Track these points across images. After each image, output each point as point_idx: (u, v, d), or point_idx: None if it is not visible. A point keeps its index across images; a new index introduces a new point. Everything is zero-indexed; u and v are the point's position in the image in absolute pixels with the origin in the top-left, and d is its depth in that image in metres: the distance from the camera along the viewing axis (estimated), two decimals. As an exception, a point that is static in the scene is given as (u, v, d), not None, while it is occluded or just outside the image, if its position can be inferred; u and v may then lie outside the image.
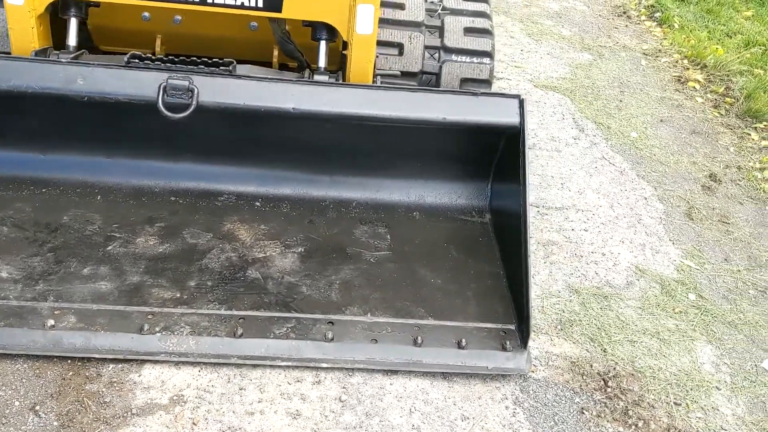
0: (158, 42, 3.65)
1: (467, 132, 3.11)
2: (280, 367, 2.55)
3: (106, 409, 2.35)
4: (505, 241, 3.11)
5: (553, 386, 2.64)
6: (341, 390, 2.51)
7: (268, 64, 3.74)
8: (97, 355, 2.50)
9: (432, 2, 3.73)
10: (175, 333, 2.58)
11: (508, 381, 2.63)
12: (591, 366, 2.76)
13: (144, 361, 2.52)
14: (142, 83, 2.85)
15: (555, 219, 3.62)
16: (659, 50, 6.03)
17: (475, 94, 3.00)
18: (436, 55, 3.54)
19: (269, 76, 2.97)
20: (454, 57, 3.53)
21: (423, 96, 2.97)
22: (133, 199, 3.19)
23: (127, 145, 3.22)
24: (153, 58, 2.94)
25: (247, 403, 2.42)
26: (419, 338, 2.65)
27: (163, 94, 2.81)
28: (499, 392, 2.58)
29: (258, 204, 3.26)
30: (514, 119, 2.95)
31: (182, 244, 3.00)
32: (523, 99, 2.96)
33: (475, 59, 3.54)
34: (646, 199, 3.93)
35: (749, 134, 4.84)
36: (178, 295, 2.74)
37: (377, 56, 3.42)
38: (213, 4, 3.06)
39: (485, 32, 3.58)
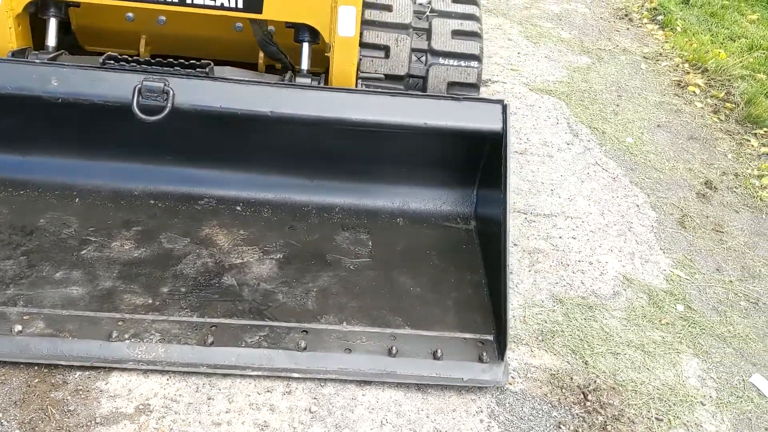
0: (143, 42, 3.62)
1: (452, 137, 3.05)
2: (250, 376, 2.50)
3: (70, 418, 2.30)
4: (488, 249, 3.04)
5: (530, 399, 2.57)
6: (312, 401, 2.45)
7: (253, 66, 3.70)
8: (63, 362, 2.45)
9: (420, 4, 3.67)
10: (145, 340, 2.53)
11: (485, 393, 2.56)
12: (571, 379, 2.69)
13: (112, 369, 2.48)
14: (117, 85, 2.81)
15: (543, 226, 3.55)
16: (660, 54, 5.94)
17: (457, 99, 2.93)
18: (423, 58, 3.48)
19: (247, 79, 2.91)
20: (441, 60, 3.46)
21: (403, 100, 2.91)
22: (112, 202, 3.15)
23: (108, 147, 3.18)
24: (129, 59, 2.89)
25: (214, 414, 2.37)
26: (394, 348, 2.59)
27: (138, 96, 2.77)
28: (475, 405, 2.52)
29: (239, 208, 3.21)
30: (497, 125, 2.88)
31: (158, 248, 2.95)
32: (506, 104, 2.90)
33: (462, 63, 3.47)
34: (638, 206, 3.86)
35: (748, 140, 4.75)
36: (150, 302, 2.69)
37: (361, 58, 3.37)
38: (192, 5, 3.02)
39: (474, 35, 3.52)
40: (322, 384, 2.52)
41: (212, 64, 2.93)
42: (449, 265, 3.04)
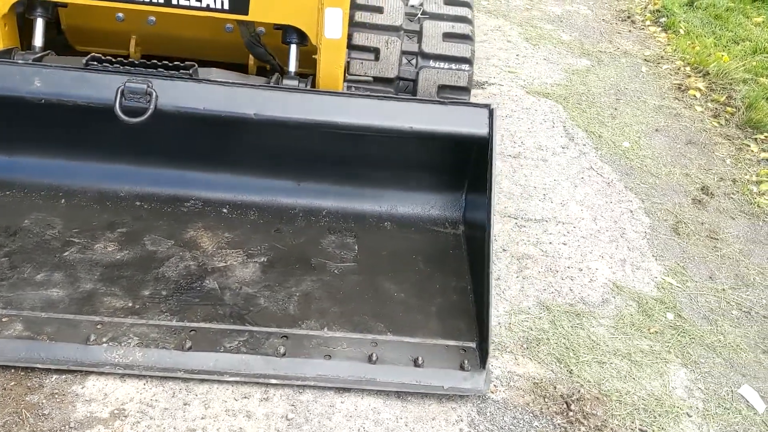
0: (133, 43, 3.61)
1: (440, 140, 3.02)
2: (228, 382, 2.47)
3: (44, 422, 2.28)
4: (475, 254, 3.01)
5: (511, 408, 2.54)
6: (289, 407, 2.43)
7: (244, 67, 3.68)
8: (40, 366, 2.43)
9: (412, 6, 3.64)
10: (122, 344, 2.51)
11: (465, 402, 2.53)
12: (554, 388, 2.65)
13: (89, 373, 2.45)
14: (100, 86, 2.79)
15: (533, 231, 3.51)
16: (661, 57, 5.88)
17: (443, 103, 2.90)
18: (414, 60, 3.44)
19: (230, 81, 2.89)
20: (431, 63, 3.43)
21: (388, 104, 2.87)
22: (98, 203, 3.14)
23: (95, 148, 3.17)
24: (113, 60, 2.87)
25: (189, 419, 2.35)
26: (374, 355, 2.56)
27: (120, 98, 2.75)
28: (455, 413, 2.48)
29: (225, 210, 3.18)
30: (483, 130, 2.84)
31: (141, 251, 2.93)
32: (492, 109, 2.86)
33: (453, 65, 3.44)
34: (632, 212, 3.81)
35: (748, 145, 4.69)
36: (130, 305, 2.67)
37: (350, 61, 3.34)
38: (177, 6, 3.00)
39: (465, 38, 3.48)
40: (301, 390, 2.49)
41: (196, 65, 2.91)
42: (435, 270, 3.01)
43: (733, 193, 4.14)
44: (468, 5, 3.67)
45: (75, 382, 2.43)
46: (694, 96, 5.26)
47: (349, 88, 3.31)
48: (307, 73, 3.23)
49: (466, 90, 3.46)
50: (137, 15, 3.26)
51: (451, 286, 2.94)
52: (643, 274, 3.35)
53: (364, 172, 3.22)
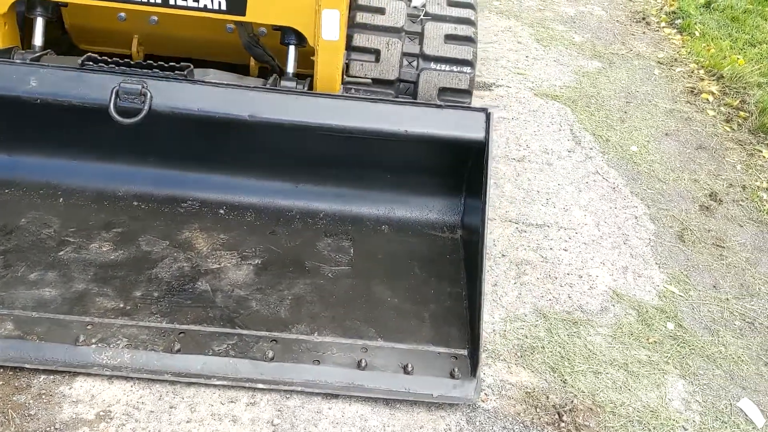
0: (135, 42, 3.61)
1: (438, 144, 2.98)
2: (215, 386, 2.46)
3: (30, 423, 2.28)
4: (470, 259, 2.97)
5: (502, 418, 2.50)
6: (276, 413, 2.41)
7: (246, 68, 3.67)
8: (29, 366, 2.44)
9: (415, 7, 3.60)
10: (111, 345, 2.51)
11: (455, 410, 2.49)
12: (547, 398, 2.60)
13: (77, 373, 2.45)
14: (95, 86, 2.80)
15: (534, 237, 3.46)
16: (675, 59, 5.78)
17: (440, 106, 2.87)
18: (415, 62, 3.41)
19: (225, 82, 2.87)
20: (432, 65, 3.39)
21: (384, 107, 2.85)
22: (95, 202, 3.14)
23: (94, 148, 3.16)
24: (108, 60, 2.87)
25: (175, 423, 2.34)
26: (364, 361, 2.54)
27: (115, 98, 2.75)
28: (443, 422, 2.45)
29: (222, 212, 3.17)
30: (479, 134, 2.81)
31: (136, 251, 2.93)
32: (490, 113, 2.83)
33: (455, 68, 3.40)
34: (636, 218, 3.74)
35: (760, 151, 4.60)
36: (121, 306, 2.67)
37: (350, 62, 3.32)
38: (175, 6, 2.99)
39: (467, 40, 3.44)
40: (288, 396, 2.47)
41: (191, 66, 2.90)
42: (430, 275, 2.97)
43: (742, 200, 4.06)
44: (471, 7, 3.62)
45: (63, 383, 2.43)
46: (707, 100, 5.17)
47: (348, 89, 3.29)
48: (307, 74, 3.21)
49: (467, 92, 3.42)
50: (139, 15, 3.26)
51: (445, 291, 2.90)
52: (645, 282, 3.29)
53: (362, 174, 3.19)
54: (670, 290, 3.27)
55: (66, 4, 3.19)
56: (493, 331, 2.87)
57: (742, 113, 4.98)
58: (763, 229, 3.86)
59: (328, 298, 2.82)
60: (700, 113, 4.99)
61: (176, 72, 2.84)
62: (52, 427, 2.28)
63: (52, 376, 2.44)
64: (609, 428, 2.53)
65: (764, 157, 4.55)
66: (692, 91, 5.27)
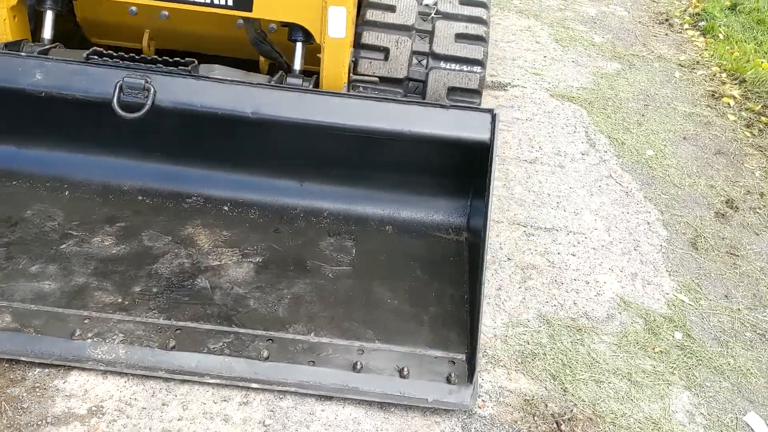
0: (146, 37, 3.61)
1: (444, 145, 2.93)
2: (209, 384, 2.44)
3: (22, 416, 2.28)
4: (474, 262, 2.92)
5: (498, 426, 2.45)
6: (268, 413, 2.38)
7: (255, 63, 3.66)
8: (24, 358, 2.44)
9: (426, 5, 3.55)
10: (107, 340, 2.50)
11: (450, 416, 2.45)
12: (546, 406, 2.55)
13: (72, 367, 2.45)
14: (99, 80, 2.80)
15: (541, 241, 3.40)
16: (697, 62, 5.67)
17: (444, 106, 2.82)
18: (424, 61, 3.36)
19: (229, 78, 2.85)
20: (442, 64, 3.34)
21: (388, 106, 2.81)
22: (100, 196, 3.14)
23: (101, 142, 3.17)
24: (113, 54, 2.86)
25: (166, 420, 2.32)
26: (359, 363, 2.50)
27: (119, 93, 2.75)
28: (438, 428, 2.41)
29: (226, 208, 3.16)
30: (484, 135, 2.76)
31: (138, 246, 2.93)
32: (495, 114, 2.77)
33: (465, 67, 3.34)
34: (649, 223, 3.66)
35: (782, 157, 4.49)
36: (120, 300, 2.66)
37: (358, 60, 3.28)
38: (182, 1, 2.98)
39: (478, 39, 3.38)
40: (282, 396, 2.44)
41: (196, 62, 2.89)
42: (432, 278, 2.93)
43: (759, 208, 3.96)
44: (484, 5, 3.56)
45: (57, 377, 2.43)
46: (728, 104, 5.05)
47: (355, 87, 3.25)
48: (314, 71, 3.18)
49: (477, 92, 3.36)
50: (150, 9, 3.25)
51: (447, 294, 2.86)
52: (654, 289, 3.22)
53: (367, 174, 3.15)
54: (680, 299, 3.19)
55: (75, -2, 3.20)
56: (495, 336, 2.82)
57: (763, 118, 4.87)
58: (781, 238, 3.76)
59: (327, 298, 2.79)
60: (720, 117, 4.88)
61: (180, 67, 2.83)
62: (44, 421, 2.28)
63: (47, 370, 2.44)
64: (608, 439, 2.47)
65: (785, 163, 4.44)
66: (713, 95, 5.16)
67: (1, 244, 2.84)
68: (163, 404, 2.37)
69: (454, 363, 2.55)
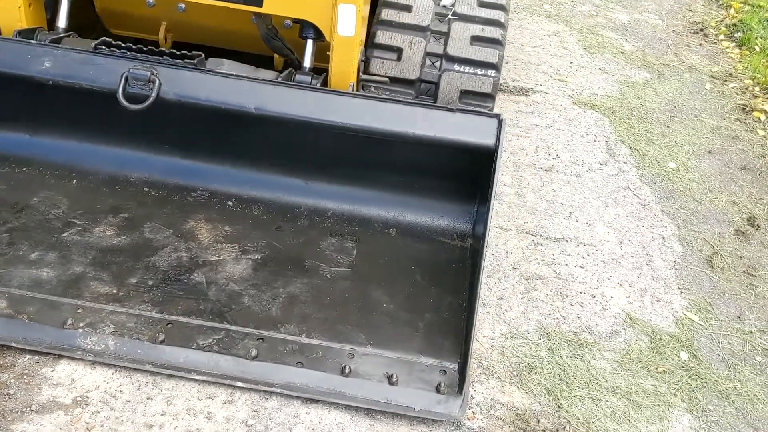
0: (163, 29, 3.62)
1: (452, 149, 2.87)
2: (195, 380, 2.43)
3: (7, 402, 2.29)
4: (473, 269, 2.85)
5: (486, 439, 2.39)
6: (252, 413, 2.36)
7: (270, 59, 3.65)
8: (15, 345, 2.45)
9: (444, 6, 3.50)
10: (98, 331, 2.50)
11: (438, 426, 2.40)
12: (538, 421, 2.48)
13: (61, 356, 2.45)
14: (105, 71, 2.81)
15: (549, 251, 3.32)
16: (730, 74, 5.50)
17: (451, 109, 2.77)
18: (438, 63, 3.31)
19: (234, 74, 2.84)
20: (456, 66, 3.29)
21: (393, 107, 2.77)
22: (107, 186, 3.15)
23: (111, 132, 3.18)
24: (121, 45, 2.87)
25: (149, 415, 2.31)
26: (348, 367, 2.46)
27: (124, 84, 2.76)
28: (424, 438, 2.36)
29: (230, 204, 3.14)
30: (489, 140, 2.71)
31: (138, 237, 2.93)
32: (502, 119, 2.71)
33: (479, 70, 3.28)
34: (664, 238, 3.56)
35: (811, 176, 4.32)
36: (115, 291, 2.66)
37: (369, 59, 3.25)
38: (193, -6, 2.98)
39: (494, 42, 3.32)
40: (267, 397, 2.41)
41: (202, 55, 2.88)
42: (432, 283, 2.88)
43: (783, 227, 3.82)
44: (503, 8, 3.50)
45: (47, 365, 2.43)
46: (758, 119, 4.89)
47: (366, 87, 3.22)
48: (325, 69, 3.15)
49: (489, 97, 3.30)
50: (167, 1, 3.26)
51: (446, 301, 2.80)
52: (663, 307, 3.12)
53: (373, 175, 3.11)
54: (690, 318, 3.09)
55: (93, -13, 3.22)
56: (492, 346, 2.76)
57: (795, 135, 4.71)
58: (803, 259, 3.62)
59: (322, 299, 2.75)
60: (749, 132, 4.73)
61: (186, 60, 2.82)
62: (28, 408, 2.28)
63: (36, 357, 2.45)
64: (600, 460, 2.39)
65: (815, 182, 4.28)
66: (744, 109, 5.00)
67: (5, 229, 2.87)
68: (148, 398, 2.36)
69: (446, 372, 2.50)
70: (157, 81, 2.75)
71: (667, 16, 6.52)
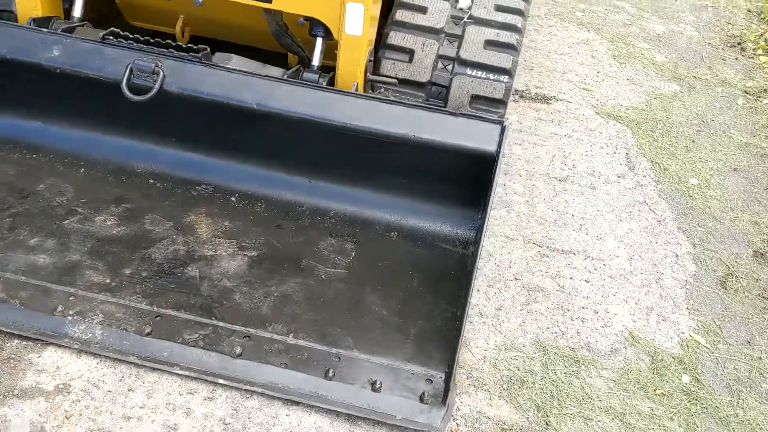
0: (180, 23, 3.64)
1: (449, 153, 2.82)
2: (178, 375, 2.42)
3: (-9, 386, 2.31)
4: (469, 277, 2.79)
5: (467, 453, 2.33)
6: (231, 411, 2.34)
7: (284, 56, 3.64)
8: (5, 329, 2.47)
9: (461, 9, 3.44)
10: (86, 320, 2.51)
11: (419, 437, 2.34)
12: (524, 438, 2.41)
13: (49, 343, 2.47)
14: (112, 61, 2.83)
15: (555, 263, 3.24)
16: (765, 90, 5.33)
17: (453, 113, 2.72)
18: (450, 66, 3.26)
19: (237, 68, 2.83)
20: (468, 71, 3.23)
21: (393, 108, 2.74)
22: (114, 176, 3.16)
23: (120, 123, 3.20)
24: (129, 36, 2.88)
25: (128, 406, 2.31)
26: (332, 370, 2.43)
27: (129, 74, 2.77)
28: (404, 448, 2.31)
29: (233, 199, 3.13)
30: (491, 147, 2.65)
31: (138, 229, 2.93)
32: (505, 126, 2.65)
33: (491, 75, 3.22)
34: (677, 256, 3.44)
35: (841, 199, 4.15)
36: (108, 281, 2.67)
37: (380, 59, 3.21)
38: (201, -12, 2.97)
39: (509, 47, 3.25)
40: (248, 396, 2.39)
41: (207, 49, 2.87)
42: (428, 290, 2.82)
43: (806, 251, 3.67)
44: (520, 13, 3.42)
45: (34, 351, 2.45)
46: (791, 137, 4.72)
47: (375, 88, 3.18)
48: (334, 67, 3.13)
49: (501, 103, 3.23)
50: (185, -5, 3.27)
51: (440, 309, 2.75)
52: (669, 327, 3.02)
53: (377, 177, 3.07)
54: (696, 339, 2.98)
55: (109, -21, 3.24)
56: (484, 358, 2.70)
57: (828, 155, 4.53)
58: (825, 285, 3.47)
59: (314, 300, 2.72)
60: (779, 151, 4.57)
61: (191, 54, 2.82)
62: (11, 393, 2.29)
63: (24, 342, 2.46)
64: (585, 482, 2.31)
65: None
66: (776, 126, 4.84)
67: (9, 214, 2.90)
68: (129, 390, 2.36)
69: (431, 381, 2.45)
70: (161, 73, 2.76)
71: (705, 28, 6.35)
